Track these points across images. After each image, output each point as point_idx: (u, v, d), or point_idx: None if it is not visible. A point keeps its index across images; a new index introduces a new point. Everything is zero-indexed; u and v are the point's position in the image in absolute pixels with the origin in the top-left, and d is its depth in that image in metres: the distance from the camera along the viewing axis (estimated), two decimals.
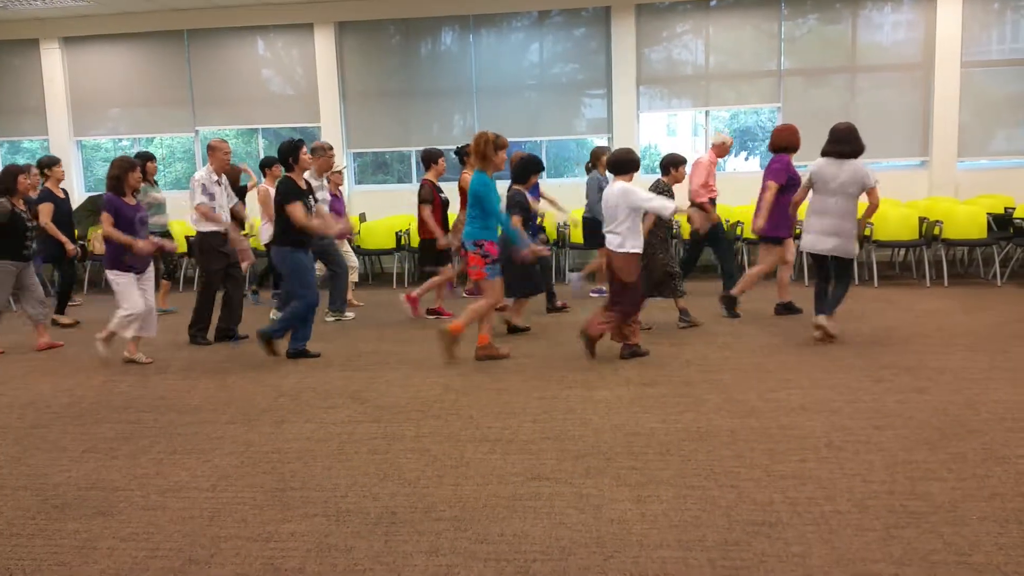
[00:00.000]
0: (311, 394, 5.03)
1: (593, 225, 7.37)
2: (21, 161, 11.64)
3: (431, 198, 6.92)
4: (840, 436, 3.96)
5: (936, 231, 8.44)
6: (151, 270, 6.08)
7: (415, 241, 9.55)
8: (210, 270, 6.47)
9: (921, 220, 8.61)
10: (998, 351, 5.49)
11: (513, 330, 6.56)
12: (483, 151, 5.55)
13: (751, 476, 3.50)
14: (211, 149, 6.54)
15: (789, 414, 4.31)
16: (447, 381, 5.21)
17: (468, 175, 7.05)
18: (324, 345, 6.31)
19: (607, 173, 5.94)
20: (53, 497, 3.56)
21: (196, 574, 2.84)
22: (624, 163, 5.51)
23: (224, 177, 6.62)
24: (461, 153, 7.25)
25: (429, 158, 7.08)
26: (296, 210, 5.58)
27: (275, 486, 3.59)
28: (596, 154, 7.58)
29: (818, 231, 5.83)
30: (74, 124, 11.13)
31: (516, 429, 4.23)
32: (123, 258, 5.82)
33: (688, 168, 6.64)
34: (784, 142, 6.67)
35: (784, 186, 6.54)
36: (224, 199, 6.55)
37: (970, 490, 3.29)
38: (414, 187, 10.65)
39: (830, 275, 5.92)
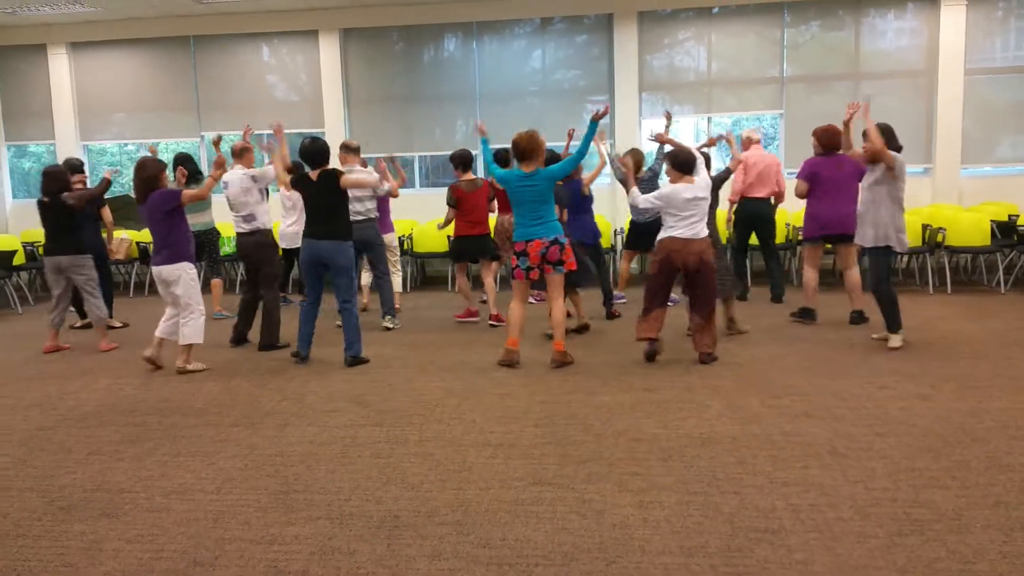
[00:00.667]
0: (314, 398, 5.05)
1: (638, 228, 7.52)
2: (27, 165, 11.72)
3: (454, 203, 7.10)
4: (843, 443, 3.96)
5: (939, 238, 8.44)
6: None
7: (418, 246, 9.60)
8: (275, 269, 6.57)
9: (924, 227, 8.61)
10: (1002, 359, 5.49)
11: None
12: (534, 145, 5.53)
13: (754, 483, 3.51)
14: (241, 153, 6.83)
15: (792, 421, 4.32)
16: (449, 386, 5.22)
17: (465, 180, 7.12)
18: (327, 350, 6.32)
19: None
20: (59, 499, 3.57)
21: None
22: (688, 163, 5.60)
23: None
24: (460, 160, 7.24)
25: (464, 161, 7.23)
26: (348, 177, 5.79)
27: (279, 489, 3.60)
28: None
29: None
30: (81, 128, 11.18)
31: (518, 434, 4.24)
32: (191, 250, 5.81)
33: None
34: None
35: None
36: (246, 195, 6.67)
37: (974, 498, 3.29)
38: (418, 192, 10.74)
39: None
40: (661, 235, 5.62)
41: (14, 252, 8.99)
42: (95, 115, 11.16)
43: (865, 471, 3.60)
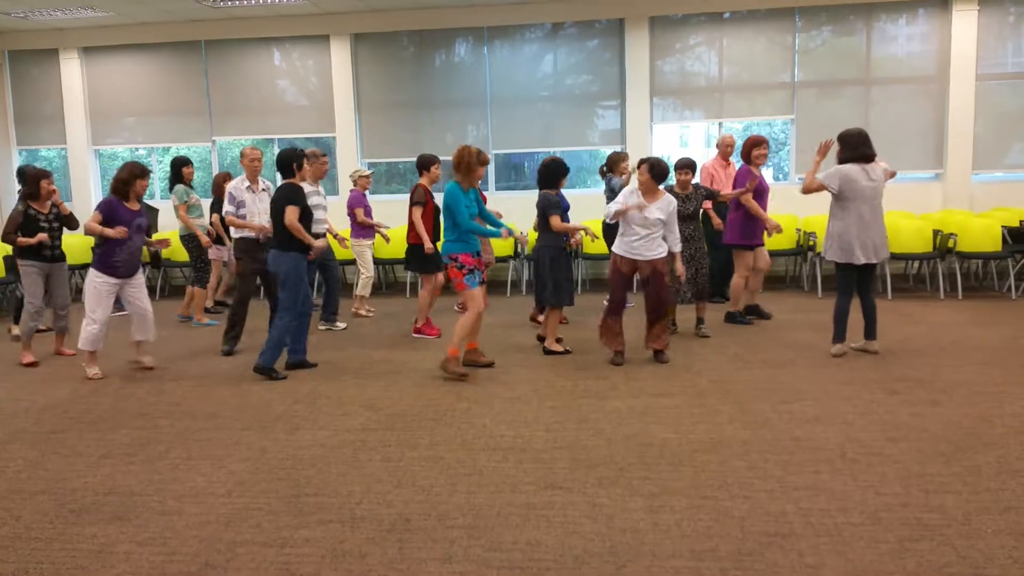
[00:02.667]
0: (325, 401, 5.06)
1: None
2: None
3: (423, 201, 6.87)
4: (854, 448, 3.95)
5: (950, 244, 8.41)
6: (141, 275, 6.04)
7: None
8: (241, 275, 6.52)
9: (935, 233, 8.58)
10: (1013, 364, 5.47)
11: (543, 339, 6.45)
12: (466, 163, 5.63)
13: (764, 487, 3.50)
14: (241, 156, 6.68)
15: (803, 426, 4.31)
16: (460, 390, 5.23)
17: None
18: (337, 354, 6.35)
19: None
20: (71, 502, 3.60)
21: None
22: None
23: (263, 183, 6.70)
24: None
25: (423, 163, 7.00)
26: (291, 213, 5.62)
27: (290, 492, 3.62)
28: (615, 160, 7.61)
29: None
30: (92, 133, 11.26)
31: (529, 438, 4.25)
32: (113, 260, 5.79)
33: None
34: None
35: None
36: (260, 204, 6.55)
37: (984, 503, 3.28)
38: None
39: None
40: (616, 247, 5.80)
41: None
42: (107, 119, 11.23)
43: (876, 476, 3.59)
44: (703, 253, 6.61)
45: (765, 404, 4.71)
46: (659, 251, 5.69)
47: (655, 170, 5.63)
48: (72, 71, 11.08)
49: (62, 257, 6.50)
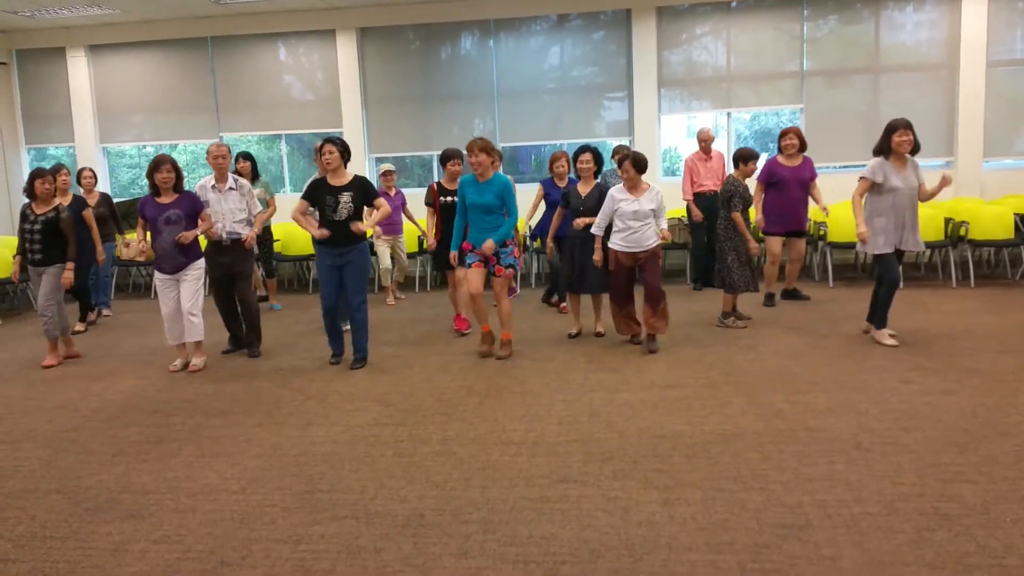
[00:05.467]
0: (337, 397, 5.06)
1: None
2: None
3: (431, 201, 6.84)
4: (868, 438, 3.93)
5: (962, 232, 8.34)
6: (192, 271, 5.86)
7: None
8: (211, 277, 6.40)
9: (947, 221, 8.52)
10: None
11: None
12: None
13: (779, 479, 3.48)
14: (207, 154, 6.36)
15: (816, 416, 4.29)
16: (471, 384, 5.23)
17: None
18: (347, 349, 6.34)
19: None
20: (85, 500, 3.61)
21: None
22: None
23: (235, 182, 6.36)
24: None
25: (444, 159, 6.85)
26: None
27: (303, 488, 3.62)
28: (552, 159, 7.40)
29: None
30: (100, 131, 11.28)
31: (541, 432, 4.24)
32: (156, 255, 5.85)
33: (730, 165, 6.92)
34: None
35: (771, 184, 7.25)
36: (225, 204, 6.24)
37: (1002, 492, 3.25)
38: None
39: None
40: (612, 243, 5.91)
41: None
42: (114, 117, 11.25)
43: (891, 466, 3.57)
44: (744, 242, 6.47)
45: (778, 395, 4.69)
46: (654, 239, 5.85)
47: (638, 164, 5.77)
48: (79, 69, 11.09)
49: (44, 261, 6.19)
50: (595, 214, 6.09)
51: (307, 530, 3.20)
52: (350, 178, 5.64)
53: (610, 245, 5.93)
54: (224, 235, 6.24)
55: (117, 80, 11.16)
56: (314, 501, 3.48)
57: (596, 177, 6.39)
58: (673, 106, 10.23)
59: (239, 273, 6.32)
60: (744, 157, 6.48)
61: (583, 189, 6.29)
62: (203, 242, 6.19)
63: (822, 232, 8.74)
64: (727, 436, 4.05)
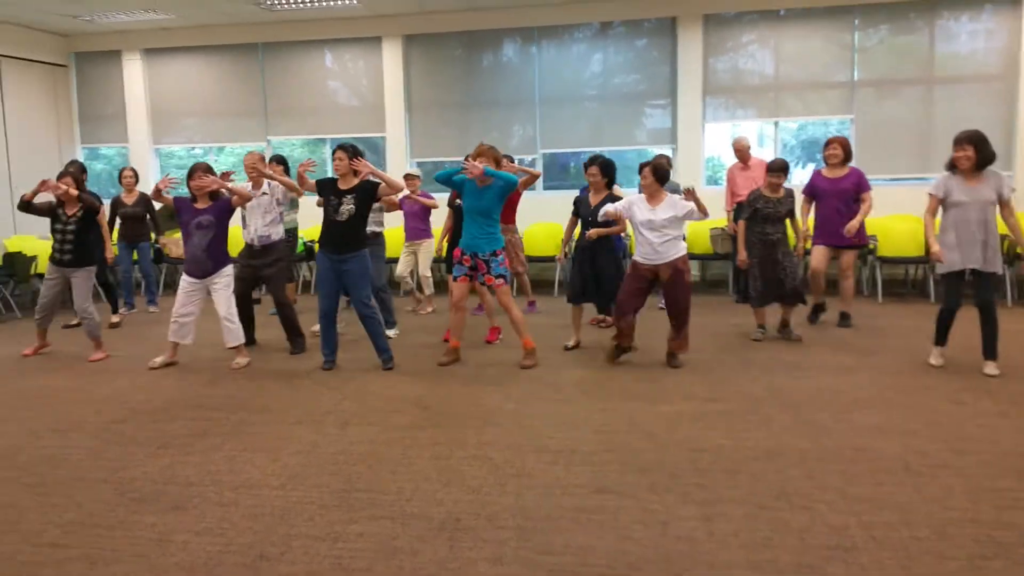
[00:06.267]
0: (374, 398, 5.09)
1: None
2: (99, 167, 12.15)
3: (453, 204, 6.95)
4: (918, 460, 3.81)
5: (1019, 249, 8.10)
6: (220, 278, 5.95)
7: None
8: (237, 276, 6.47)
9: (1002, 238, 8.26)
10: None
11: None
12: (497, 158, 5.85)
13: (824, 498, 3.40)
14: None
15: (864, 435, 4.18)
16: (507, 391, 5.21)
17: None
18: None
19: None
20: (131, 491, 3.67)
21: (268, 571, 2.89)
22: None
23: (268, 186, 6.47)
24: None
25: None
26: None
27: (341, 487, 3.64)
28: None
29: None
30: (153, 132, 11.54)
31: (578, 440, 4.20)
32: (187, 259, 5.97)
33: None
34: None
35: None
36: (257, 209, 6.42)
37: None
38: None
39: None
40: (636, 255, 5.72)
41: None
42: (166, 119, 11.51)
43: (942, 489, 3.46)
44: (790, 256, 6.40)
45: (824, 413, 4.59)
46: (676, 252, 5.60)
47: (658, 172, 5.60)
48: (134, 72, 11.38)
49: (73, 263, 6.37)
50: (605, 225, 6.06)
51: (345, 528, 3.21)
52: (357, 183, 5.72)
53: (634, 258, 5.73)
54: (256, 239, 6.40)
55: (170, 83, 11.42)
56: (352, 500, 3.49)
57: (608, 188, 6.29)
58: (718, 114, 10.12)
59: (267, 276, 6.47)
60: (768, 168, 6.41)
61: (594, 199, 6.21)
62: (233, 251, 6.31)
63: (872, 246, 8.56)
64: (770, 453, 3.97)
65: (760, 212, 6.32)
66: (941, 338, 5.60)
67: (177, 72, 11.39)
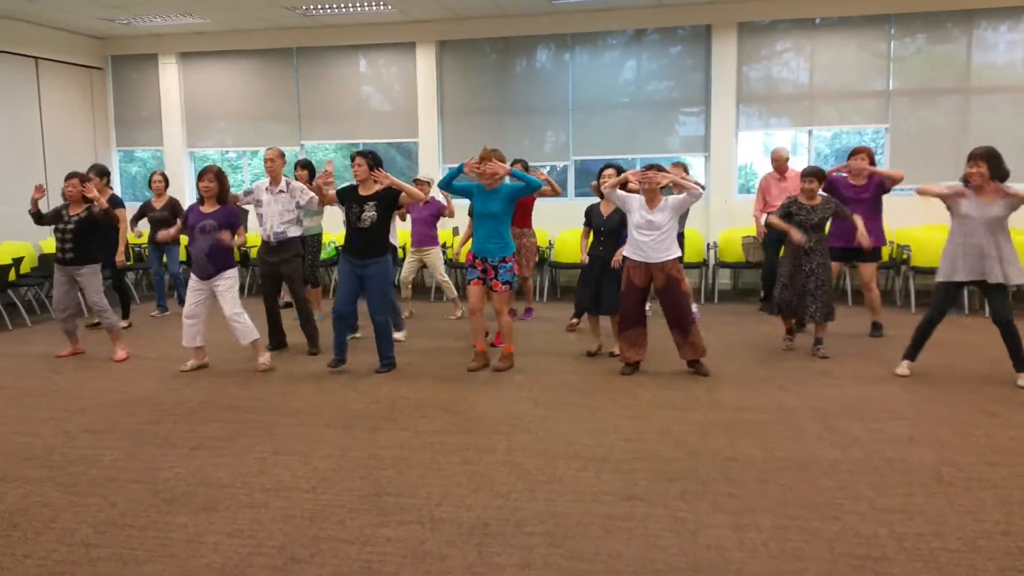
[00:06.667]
0: (404, 403, 5.13)
1: None
2: (134, 170, 12.37)
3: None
4: (950, 471, 3.76)
5: None
6: (222, 280, 5.95)
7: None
8: (260, 275, 6.79)
9: None
10: None
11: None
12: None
13: (855, 509, 3.37)
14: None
15: (895, 446, 4.13)
16: (536, 396, 5.22)
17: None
18: (415, 356, 6.42)
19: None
20: (163, 491, 3.74)
21: (297, 573, 2.93)
22: None
23: (286, 185, 6.60)
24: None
25: None
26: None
27: (371, 491, 3.67)
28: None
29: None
30: (188, 135, 11.73)
31: (609, 447, 4.20)
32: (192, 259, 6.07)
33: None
34: None
35: None
36: (274, 206, 6.55)
37: None
38: None
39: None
40: (626, 251, 5.72)
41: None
42: (201, 122, 11.69)
43: (974, 501, 3.41)
44: (826, 268, 6.16)
45: (855, 423, 4.54)
46: (669, 253, 5.57)
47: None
48: (170, 75, 11.57)
49: (76, 261, 6.41)
50: (617, 235, 6.05)
51: (374, 532, 3.24)
52: (378, 189, 5.77)
53: (624, 255, 5.75)
54: (272, 236, 6.55)
55: (205, 87, 11.60)
56: (381, 504, 3.52)
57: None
58: (751, 122, 10.05)
59: (285, 274, 6.62)
60: (801, 174, 6.25)
61: (605, 209, 6.19)
62: (237, 255, 6.41)
63: (905, 256, 8.44)
64: (801, 462, 3.93)
65: (794, 218, 6.21)
66: (914, 350, 5.57)
67: (212, 76, 11.57)
